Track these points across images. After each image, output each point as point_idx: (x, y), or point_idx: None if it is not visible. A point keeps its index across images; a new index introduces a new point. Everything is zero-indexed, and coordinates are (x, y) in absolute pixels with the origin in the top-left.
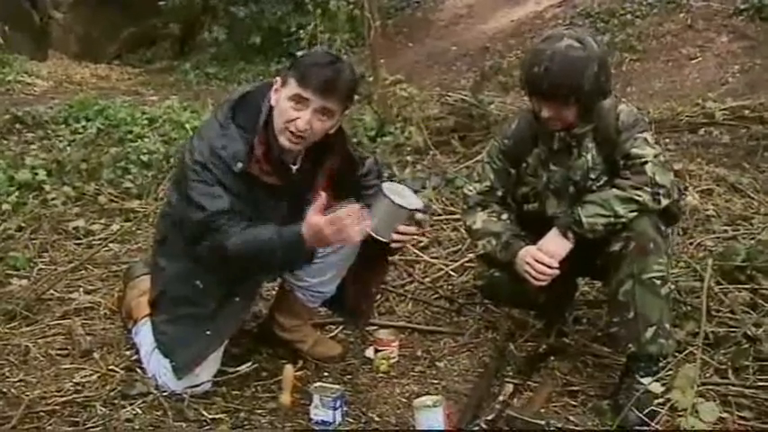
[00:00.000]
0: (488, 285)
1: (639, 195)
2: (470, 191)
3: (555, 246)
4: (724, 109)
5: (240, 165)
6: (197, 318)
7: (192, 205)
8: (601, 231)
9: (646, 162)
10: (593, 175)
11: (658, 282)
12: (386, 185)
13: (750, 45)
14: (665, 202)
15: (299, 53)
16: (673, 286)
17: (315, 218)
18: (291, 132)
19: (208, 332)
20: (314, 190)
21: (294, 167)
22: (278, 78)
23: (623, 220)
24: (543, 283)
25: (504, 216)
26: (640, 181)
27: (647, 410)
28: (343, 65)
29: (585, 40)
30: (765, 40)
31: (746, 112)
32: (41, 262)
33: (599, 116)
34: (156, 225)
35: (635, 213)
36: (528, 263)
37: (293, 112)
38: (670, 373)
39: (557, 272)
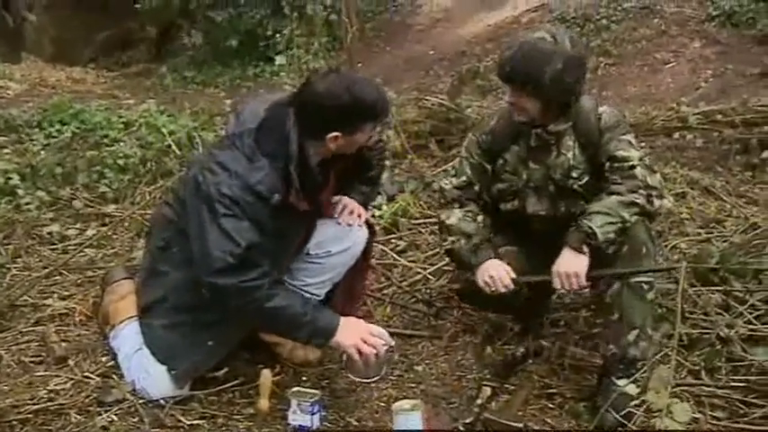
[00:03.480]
0: (465, 289)
1: (637, 198)
2: (447, 185)
3: (575, 265)
4: (697, 113)
5: (277, 197)
6: (199, 326)
7: (223, 236)
8: (613, 239)
9: (634, 166)
10: (574, 174)
11: (645, 287)
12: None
13: (722, 50)
14: (657, 203)
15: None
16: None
17: (357, 322)
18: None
19: (210, 343)
20: (326, 191)
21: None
22: (336, 134)
23: (628, 224)
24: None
25: (480, 218)
26: (634, 185)
27: (623, 412)
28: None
29: (559, 37)
30: (736, 46)
31: (719, 116)
32: (15, 268)
33: (579, 116)
34: (153, 229)
35: (636, 216)
36: (490, 276)
37: (367, 137)
38: (645, 374)
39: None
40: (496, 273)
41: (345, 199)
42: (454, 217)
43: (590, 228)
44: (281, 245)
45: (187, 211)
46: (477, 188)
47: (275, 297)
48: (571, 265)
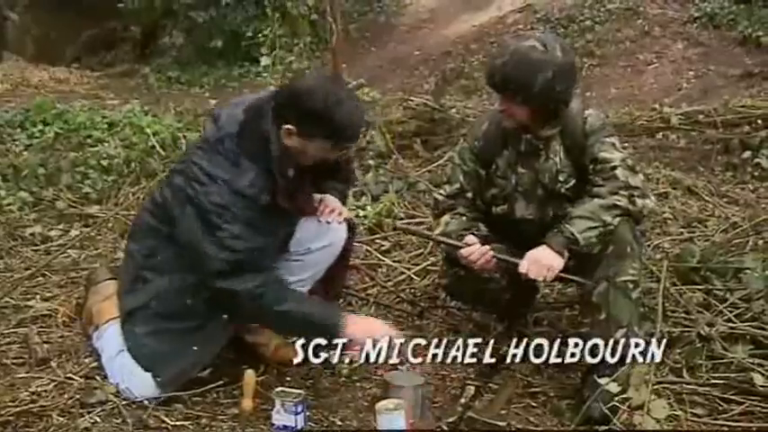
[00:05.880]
0: (452, 284)
1: (619, 200)
2: (441, 194)
3: (551, 260)
4: (680, 114)
5: (265, 197)
6: (184, 332)
7: (219, 246)
8: (595, 243)
9: (615, 167)
10: (561, 178)
11: (631, 285)
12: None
13: (704, 52)
14: (640, 202)
15: (305, 98)
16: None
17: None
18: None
19: (195, 348)
20: (302, 192)
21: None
22: (291, 128)
23: (611, 227)
24: (487, 269)
25: (465, 218)
26: (615, 186)
27: (607, 407)
28: (356, 98)
29: (550, 45)
30: (718, 47)
31: (701, 117)
32: None
33: (566, 120)
34: (136, 235)
35: (619, 218)
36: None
37: (322, 154)
38: (627, 372)
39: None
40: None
41: (327, 197)
42: (442, 224)
43: (572, 234)
44: (272, 243)
45: (177, 222)
46: (469, 195)
47: (285, 302)
48: (548, 258)
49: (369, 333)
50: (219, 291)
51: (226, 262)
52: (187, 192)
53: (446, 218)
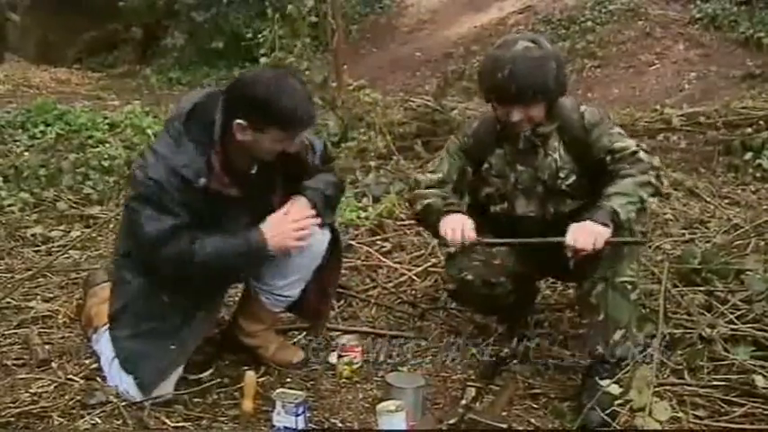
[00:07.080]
0: (458, 289)
1: (650, 178)
2: (422, 178)
3: (598, 229)
4: (681, 115)
5: (202, 180)
6: (161, 332)
7: (142, 221)
8: (632, 220)
9: (636, 152)
10: (562, 174)
11: (629, 286)
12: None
13: (705, 53)
14: (665, 182)
15: (256, 89)
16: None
17: (277, 219)
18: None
19: (172, 346)
20: (275, 193)
21: (253, 172)
22: (242, 122)
23: (646, 204)
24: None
25: (445, 198)
26: (644, 167)
27: (607, 411)
28: (302, 84)
29: (539, 41)
30: (719, 49)
31: (702, 118)
32: None
33: (562, 115)
34: (118, 237)
35: (652, 197)
36: (452, 228)
37: (279, 146)
38: (628, 374)
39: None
40: (459, 226)
41: (295, 204)
42: (430, 194)
43: (612, 208)
44: (221, 230)
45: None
46: (450, 186)
47: (203, 246)
48: (594, 227)
49: (290, 232)
50: (149, 264)
51: (155, 231)
52: (133, 168)
53: (433, 191)
